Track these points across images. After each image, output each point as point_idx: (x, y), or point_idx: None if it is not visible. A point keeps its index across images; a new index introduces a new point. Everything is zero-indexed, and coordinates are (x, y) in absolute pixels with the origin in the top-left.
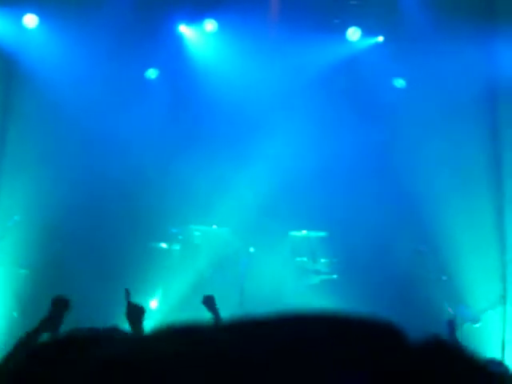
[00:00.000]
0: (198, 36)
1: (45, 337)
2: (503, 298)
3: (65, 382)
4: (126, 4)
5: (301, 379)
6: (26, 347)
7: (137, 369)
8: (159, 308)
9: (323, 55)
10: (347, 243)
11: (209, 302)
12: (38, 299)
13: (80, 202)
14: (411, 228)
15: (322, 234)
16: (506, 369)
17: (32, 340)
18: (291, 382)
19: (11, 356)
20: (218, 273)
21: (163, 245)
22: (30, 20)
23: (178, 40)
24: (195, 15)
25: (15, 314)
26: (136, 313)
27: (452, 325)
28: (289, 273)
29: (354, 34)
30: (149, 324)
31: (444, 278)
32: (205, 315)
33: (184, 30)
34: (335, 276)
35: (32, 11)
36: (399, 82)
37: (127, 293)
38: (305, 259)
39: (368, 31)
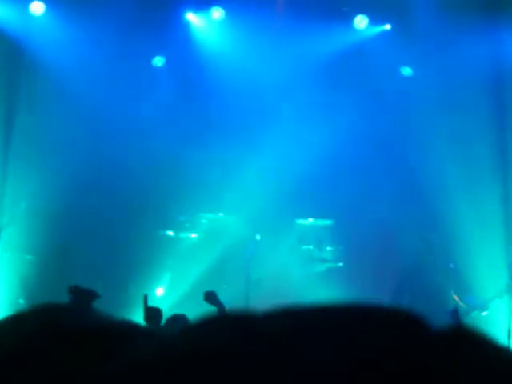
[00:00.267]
0: (205, 24)
1: None
2: (509, 287)
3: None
4: None
5: (329, 367)
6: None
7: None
8: (166, 295)
9: (330, 43)
10: (353, 231)
11: (210, 297)
12: (44, 285)
13: (87, 189)
14: (418, 216)
15: (328, 222)
16: None
17: None
18: (322, 369)
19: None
20: (224, 260)
21: (170, 232)
22: (37, 7)
23: (185, 28)
24: (202, 3)
25: (21, 301)
26: (154, 315)
27: (456, 314)
28: (295, 260)
29: (361, 22)
30: None
31: (451, 265)
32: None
33: (191, 17)
34: (341, 264)
35: None
36: (406, 71)
37: (145, 298)
38: (311, 247)
39: (375, 19)
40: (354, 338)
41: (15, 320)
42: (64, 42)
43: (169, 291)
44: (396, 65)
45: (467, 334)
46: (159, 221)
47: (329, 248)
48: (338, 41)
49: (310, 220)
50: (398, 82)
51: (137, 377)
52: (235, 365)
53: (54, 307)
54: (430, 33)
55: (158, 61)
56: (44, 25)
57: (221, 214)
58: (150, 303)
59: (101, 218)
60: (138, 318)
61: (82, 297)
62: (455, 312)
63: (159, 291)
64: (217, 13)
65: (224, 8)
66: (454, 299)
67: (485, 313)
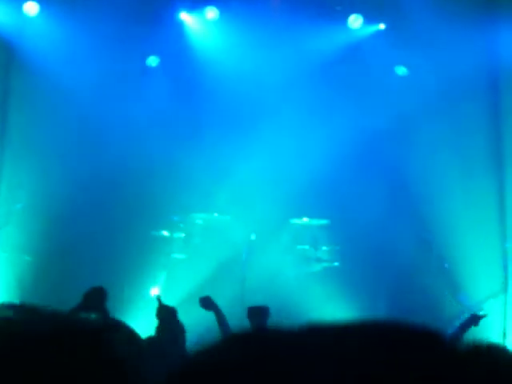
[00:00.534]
0: (199, 23)
1: None
2: (505, 287)
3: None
4: None
5: None
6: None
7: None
8: (161, 295)
9: (324, 43)
10: (349, 231)
11: (206, 303)
12: (41, 286)
13: (82, 189)
14: (413, 216)
15: (323, 221)
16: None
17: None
18: None
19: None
20: (219, 260)
21: (165, 233)
22: (31, 8)
23: (178, 27)
24: (196, 2)
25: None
26: (168, 314)
27: (474, 320)
28: (290, 260)
29: (355, 21)
30: (150, 311)
31: (446, 265)
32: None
33: (185, 17)
34: (337, 264)
35: None
36: (401, 70)
37: (158, 298)
38: (306, 247)
39: (369, 19)
40: (369, 355)
41: None
42: (58, 42)
43: (164, 291)
44: (391, 64)
45: (483, 350)
46: (154, 221)
47: (324, 248)
48: (332, 40)
49: (306, 220)
50: (392, 81)
51: None
52: (245, 381)
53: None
54: (424, 31)
55: (153, 61)
56: (38, 25)
57: (216, 215)
58: (145, 303)
59: (96, 219)
60: (133, 317)
61: (95, 297)
62: (475, 318)
63: (154, 291)
64: (211, 13)
65: (218, 8)
66: (459, 306)
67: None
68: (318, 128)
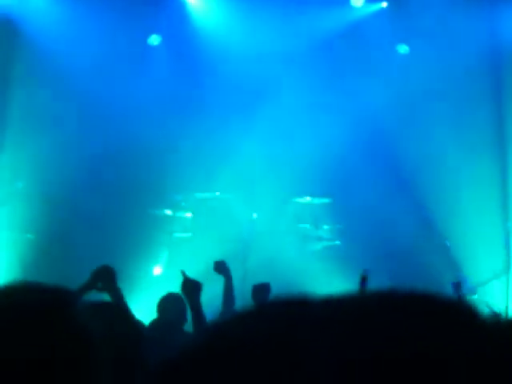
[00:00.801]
0: (201, 1)
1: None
2: (507, 267)
3: None
4: None
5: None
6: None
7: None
8: (163, 274)
9: (327, 21)
10: (350, 209)
11: (220, 266)
12: (43, 264)
13: (84, 168)
14: (414, 194)
15: (325, 200)
16: None
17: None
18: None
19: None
20: (221, 239)
21: (167, 212)
22: None
23: (180, 5)
24: None
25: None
26: (193, 288)
27: (458, 287)
28: (292, 239)
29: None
30: (154, 290)
31: (448, 244)
32: (208, 281)
33: None
34: (338, 242)
35: None
36: (403, 48)
37: (183, 272)
38: (308, 226)
39: None
40: (412, 325)
41: None
42: (60, 23)
43: (166, 270)
44: (393, 42)
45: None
46: (156, 200)
47: (326, 226)
48: (334, 19)
49: (307, 198)
50: (394, 59)
51: (194, 365)
52: (288, 350)
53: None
54: (426, 9)
55: (154, 39)
56: (40, 5)
57: (218, 193)
58: (147, 282)
59: (98, 197)
60: (136, 296)
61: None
62: (457, 285)
63: (157, 270)
64: None
65: None
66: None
67: (480, 294)
68: (320, 107)
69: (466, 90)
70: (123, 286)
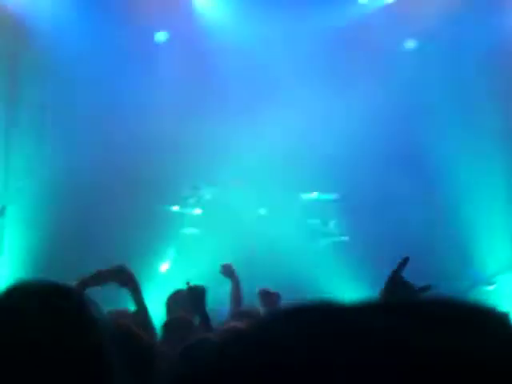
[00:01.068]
0: None
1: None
2: None
3: None
4: None
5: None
6: None
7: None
8: (170, 271)
9: (333, 17)
10: (358, 205)
11: (227, 270)
12: (54, 261)
13: (92, 164)
14: (424, 190)
15: (333, 196)
16: None
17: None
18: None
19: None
20: (228, 235)
21: (174, 208)
22: None
23: (187, 1)
24: None
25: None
26: (197, 295)
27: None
28: (300, 235)
29: None
30: (161, 287)
31: (452, 232)
32: (214, 276)
33: None
34: (346, 238)
35: None
36: (410, 44)
37: (188, 283)
38: (316, 221)
39: None
40: (455, 334)
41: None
42: (66, 18)
43: (174, 266)
44: (400, 38)
45: None
46: (163, 196)
47: (334, 222)
48: (341, 14)
49: (315, 194)
50: (401, 55)
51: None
52: (326, 359)
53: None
54: (434, 3)
55: (161, 36)
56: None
57: (225, 189)
58: (154, 278)
59: (105, 193)
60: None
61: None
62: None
63: (164, 267)
64: None
65: None
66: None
67: (491, 287)
68: (327, 102)
69: (475, 84)
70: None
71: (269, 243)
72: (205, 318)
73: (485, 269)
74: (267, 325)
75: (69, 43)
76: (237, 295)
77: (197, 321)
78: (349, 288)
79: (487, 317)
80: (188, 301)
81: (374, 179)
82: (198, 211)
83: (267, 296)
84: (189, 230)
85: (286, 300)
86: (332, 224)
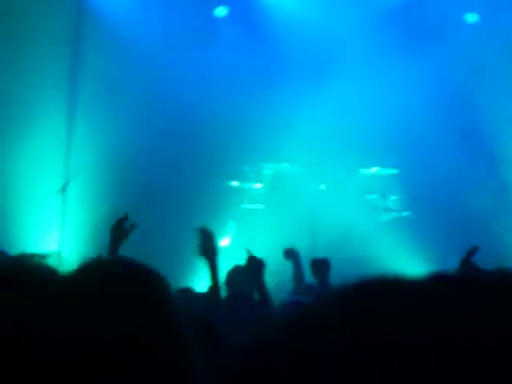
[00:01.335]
0: None
1: None
2: None
3: None
4: None
5: None
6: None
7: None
8: (231, 245)
9: None
10: (418, 180)
11: (289, 253)
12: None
13: (153, 140)
14: (485, 163)
15: (393, 171)
16: None
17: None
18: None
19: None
20: (288, 210)
21: (234, 183)
22: None
23: None
24: None
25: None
26: (257, 265)
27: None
28: (359, 210)
29: None
30: (220, 261)
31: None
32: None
33: None
34: (406, 213)
35: None
36: (471, 17)
37: (248, 250)
38: (375, 196)
39: None
40: None
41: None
42: None
43: (234, 241)
44: (461, 11)
45: None
46: (224, 172)
47: (393, 197)
48: None
49: (375, 169)
50: (462, 29)
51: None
52: (396, 329)
53: None
54: None
55: (221, 11)
56: None
57: (285, 164)
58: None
59: (166, 170)
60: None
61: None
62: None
63: (224, 241)
64: None
65: None
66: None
67: None
68: (387, 77)
69: None
70: (189, 257)
71: (329, 218)
72: (262, 290)
73: None
74: (334, 303)
75: (128, 20)
76: (298, 274)
77: (256, 297)
78: (410, 263)
79: None
80: (246, 270)
81: (433, 153)
82: (258, 186)
83: (317, 264)
84: (249, 205)
85: (349, 275)
86: (392, 199)
